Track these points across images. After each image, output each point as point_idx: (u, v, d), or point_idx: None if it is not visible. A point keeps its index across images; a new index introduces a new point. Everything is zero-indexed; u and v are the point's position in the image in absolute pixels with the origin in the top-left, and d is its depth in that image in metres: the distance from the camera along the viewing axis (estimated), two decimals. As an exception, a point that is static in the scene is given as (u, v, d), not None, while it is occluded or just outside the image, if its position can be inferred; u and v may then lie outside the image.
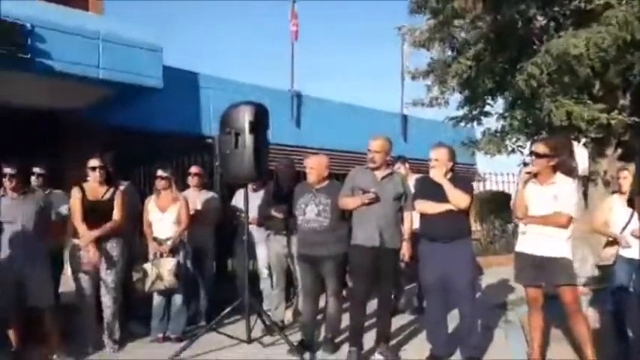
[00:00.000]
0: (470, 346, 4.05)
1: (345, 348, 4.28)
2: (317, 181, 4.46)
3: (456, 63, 7.56)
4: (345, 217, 4.42)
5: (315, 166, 4.48)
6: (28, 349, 4.30)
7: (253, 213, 5.21)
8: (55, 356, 4.19)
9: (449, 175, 4.09)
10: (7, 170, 4.21)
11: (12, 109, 6.92)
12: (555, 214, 3.69)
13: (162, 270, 4.68)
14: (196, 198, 5.51)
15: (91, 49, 6.18)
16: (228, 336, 4.49)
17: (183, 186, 5.60)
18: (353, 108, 12.45)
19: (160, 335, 4.77)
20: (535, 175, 3.82)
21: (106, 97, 7.17)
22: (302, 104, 11.57)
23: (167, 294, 4.82)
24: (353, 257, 4.23)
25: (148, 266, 4.73)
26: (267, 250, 5.35)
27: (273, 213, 5.10)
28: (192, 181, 5.61)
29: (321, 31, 40.54)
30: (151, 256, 4.81)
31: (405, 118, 13.55)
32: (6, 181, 4.23)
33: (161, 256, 4.76)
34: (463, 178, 4.69)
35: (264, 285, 5.48)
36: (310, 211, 4.40)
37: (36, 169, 4.67)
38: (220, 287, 5.67)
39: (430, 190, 4.08)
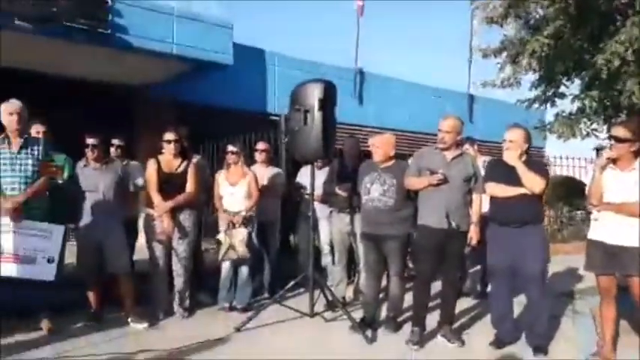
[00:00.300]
0: (537, 333, 3.96)
1: (407, 328, 4.29)
2: (383, 161, 4.43)
3: (533, 41, 7.19)
4: (410, 197, 4.38)
5: (381, 145, 4.44)
6: (106, 312, 4.59)
7: (317, 190, 5.26)
8: (129, 319, 4.45)
9: (523, 158, 3.95)
10: (90, 141, 4.46)
11: (91, 82, 7.29)
12: (634, 203, 3.49)
13: (234, 240, 4.83)
14: (263, 173, 5.61)
15: (166, 25, 6.38)
16: (292, 309, 4.59)
17: (250, 161, 5.73)
18: (417, 86, 12.22)
19: (227, 305, 4.94)
20: (614, 161, 3.63)
21: (177, 73, 7.40)
22: (365, 82, 11.47)
23: (236, 264, 4.96)
24: (419, 238, 4.19)
25: (221, 236, 4.89)
26: (329, 227, 5.41)
27: (337, 191, 5.13)
28: (259, 156, 5.71)
29: (387, 7, 39.67)
30: (222, 227, 4.96)
31: (471, 97, 13.16)
32: (88, 152, 4.48)
33: (234, 226, 4.90)
34: (538, 161, 4.53)
35: (326, 261, 5.57)
36: (375, 190, 4.39)
37: (115, 141, 4.90)
38: (282, 261, 5.79)
39: (502, 172, 3.96)
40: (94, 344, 3.90)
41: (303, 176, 5.88)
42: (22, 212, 3.96)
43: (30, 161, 4.04)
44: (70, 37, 5.75)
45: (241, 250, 4.83)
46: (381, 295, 4.68)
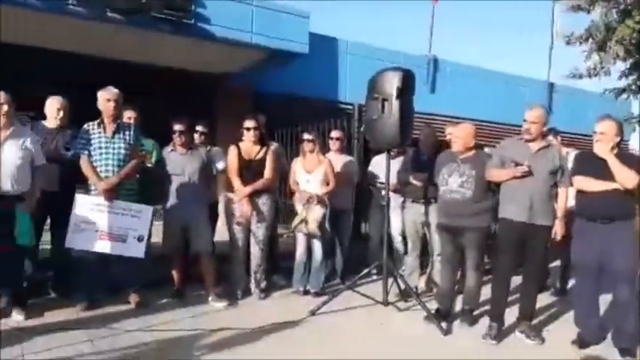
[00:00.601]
0: (625, 335, 3.76)
1: (484, 321, 4.21)
2: (462, 151, 4.34)
3: (622, 27, 6.78)
4: (491, 188, 4.27)
5: (461, 135, 4.35)
6: (189, 289, 4.82)
7: (391, 179, 5.23)
8: (210, 298, 4.65)
9: (615, 151, 3.75)
10: (177, 127, 4.67)
11: (174, 71, 7.61)
12: None
13: (310, 216, 4.91)
14: (337, 161, 5.65)
15: (246, 14, 6.52)
16: (366, 296, 4.63)
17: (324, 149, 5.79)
18: (493, 74, 11.80)
19: (301, 288, 5.06)
20: None
21: (255, 62, 7.56)
22: (438, 69, 11.23)
23: (309, 248, 5.06)
24: (501, 231, 4.08)
25: (299, 208, 4.99)
26: (401, 217, 5.39)
27: (412, 180, 5.09)
28: (333, 144, 5.75)
29: (461, -6, 38.38)
30: (298, 206, 5.04)
31: (551, 86, 12.56)
32: (176, 137, 4.70)
33: (311, 203, 4.96)
34: (631, 155, 4.27)
35: (397, 250, 5.56)
36: (453, 182, 4.31)
37: (199, 127, 5.11)
38: (353, 249, 5.83)
39: (592, 166, 3.78)
40: (177, 320, 4.12)
41: (376, 165, 5.88)
42: (115, 193, 4.24)
43: (122, 145, 4.30)
44: (157, 28, 6.02)
45: (312, 227, 4.92)
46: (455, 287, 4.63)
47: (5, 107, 3.84)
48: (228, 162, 4.86)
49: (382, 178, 5.60)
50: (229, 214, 4.88)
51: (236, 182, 4.79)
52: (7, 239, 3.78)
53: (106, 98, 4.27)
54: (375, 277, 5.34)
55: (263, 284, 4.98)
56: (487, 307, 4.26)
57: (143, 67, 7.34)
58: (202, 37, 6.35)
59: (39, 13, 5.65)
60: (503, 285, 4.06)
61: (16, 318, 3.89)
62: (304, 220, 4.93)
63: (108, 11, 5.72)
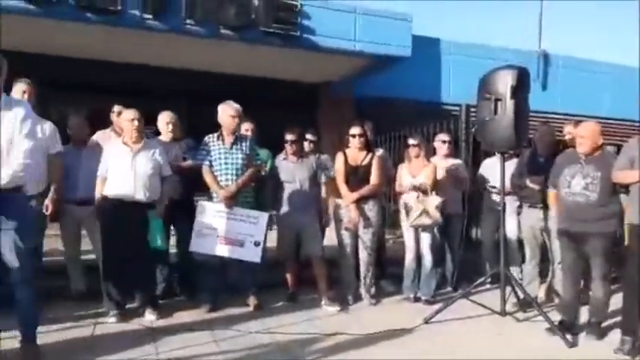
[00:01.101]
0: None
1: (613, 335, 3.91)
2: (589, 152, 4.05)
3: None
4: (617, 191, 3.96)
5: (587, 135, 4.05)
6: (302, 293, 4.96)
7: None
8: (322, 302, 4.75)
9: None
10: (289, 137, 4.83)
11: (279, 81, 7.92)
12: None
13: (428, 205, 4.84)
14: (444, 165, 5.54)
15: (349, 22, 6.61)
16: (482, 305, 4.47)
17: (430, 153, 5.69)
18: (611, 67, 10.91)
19: (411, 295, 5.01)
20: None
21: (357, 68, 7.64)
22: (549, 65, 10.60)
23: (417, 251, 4.99)
24: (631, 238, 3.77)
25: (412, 201, 4.91)
26: (516, 222, 5.14)
27: (529, 184, 4.84)
28: (441, 148, 5.64)
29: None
30: (409, 201, 4.96)
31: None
32: (287, 146, 4.86)
33: (425, 194, 4.89)
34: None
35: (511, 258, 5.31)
36: (576, 184, 4.04)
37: (309, 136, 5.26)
38: (465, 255, 5.66)
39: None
40: (293, 323, 4.24)
41: (487, 168, 5.67)
42: (234, 200, 4.47)
43: (240, 156, 4.55)
44: (266, 41, 6.29)
45: (435, 215, 4.84)
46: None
47: (136, 123, 4.21)
48: (335, 168, 4.94)
49: (493, 182, 5.41)
50: (337, 220, 4.96)
51: (343, 188, 4.86)
52: (143, 244, 4.15)
53: (230, 114, 4.52)
54: (488, 285, 5.14)
55: (373, 290, 4.99)
56: (616, 319, 3.94)
57: (252, 80, 7.72)
58: (307, 48, 6.53)
59: (161, 34, 6.13)
60: (636, 295, 3.73)
61: (149, 318, 4.22)
62: (425, 211, 4.85)
63: (221, 28, 6.06)
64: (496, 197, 5.26)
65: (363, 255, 4.93)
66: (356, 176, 4.88)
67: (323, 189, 4.99)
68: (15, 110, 3.14)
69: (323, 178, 4.99)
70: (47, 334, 3.50)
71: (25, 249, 3.18)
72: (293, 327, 4.13)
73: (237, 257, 4.51)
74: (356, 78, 8.15)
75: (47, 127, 4.14)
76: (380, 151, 5.55)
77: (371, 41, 6.69)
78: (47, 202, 4.13)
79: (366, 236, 4.89)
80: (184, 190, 4.66)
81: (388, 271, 5.61)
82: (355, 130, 4.92)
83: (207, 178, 4.51)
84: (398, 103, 8.78)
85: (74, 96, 6.97)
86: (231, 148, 4.55)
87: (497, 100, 4.28)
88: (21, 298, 3.21)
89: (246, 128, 4.95)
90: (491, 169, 5.43)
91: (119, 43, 6.62)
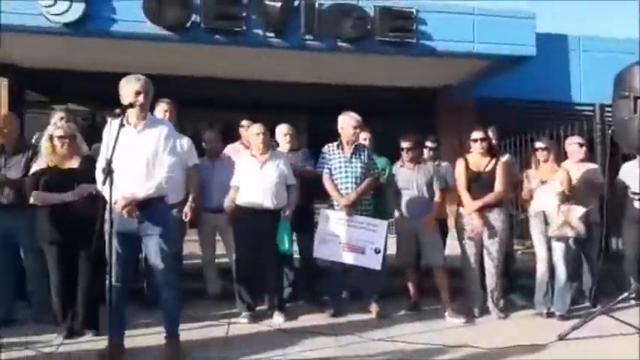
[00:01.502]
0: None
1: None
2: None
3: None
4: None
5: None
6: (424, 302, 4.88)
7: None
8: (446, 313, 4.63)
9: None
10: (405, 145, 4.81)
11: (398, 89, 7.93)
12: None
13: (571, 216, 4.56)
14: (577, 170, 5.14)
15: (467, 25, 6.44)
16: (626, 323, 4.05)
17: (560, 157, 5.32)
18: None
19: (544, 310, 4.68)
20: None
21: (476, 71, 7.40)
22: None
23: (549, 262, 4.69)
24: None
25: (552, 210, 4.63)
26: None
27: (680, 190, 4.34)
28: (575, 152, 5.25)
29: None
30: (551, 210, 4.68)
31: None
32: (404, 154, 4.84)
33: (567, 201, 4.61)
34: None
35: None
36: None
37: (429, 143, 5.21)
38: (604, 267, 5.19)
39: None
40: (417, 332, 4.19)
41: (626, 173, 5.20)
42: (354, 208, 4.55)
43: (359, 165, 4.65)
44: (383, 50, 6.34)
45: (580, 227, 4.55)
46: None
47: (262, 136, 4.47)
48: (457, 175, 4.82)
49: (634, 187, 4.93)
50: (460, 229, 4.82)
51: (465, 196, 4.73)
52: (272, 249, 4.39)
53: (351, 125, 4.63)
54: (632, 301, 4.67)
55: (501, 302, 4.77)
56: None
57: (369, 89, 7.82)
58: (424, 54, 6.46)
59: (282, 51, 6.44)
60: None
61: (277, 320, 4.43)
62: (567, 222, 4.56)
63: (338, 41, 6.21)
64: (639, 204, 4.78)
65: (489, 266, 4.73)
66: (479, 183, 4.72)
67: (437, 196, 4.85)
68: (159, 128, 3.49)
69: (439, 185, 4.87)
70: (187, 332, 3.79)
71: (169, 253, 3.51)
72: (416, 337, 4.07)
73: (359, 264, 4.57)
74: (475, 81, 7.89)
75: (185, 143, 4.54)
76: (505, 157, 5.31)
77: (491, 42, 6.44)
78: (186, 209, 4.53)
79: (492, 246, 4.69)
80: (304, 198, 4.82)
81: (518, 284, 5.33)
82: (477, 134, 4.77)
83: (328, 186, 4.65)
84: (522, 105, 8.35)
85: (205, 113, 7.55)
86: (350, 157, 4.64)
87: (636, 98, 3.92)
88: (165, 298, 3.54)
89: (364, 137, 5.02)
90: (632, 174, 4.96)
91: (244, 62, 7.06)
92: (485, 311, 4.73)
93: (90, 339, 3.82)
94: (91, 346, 3.63)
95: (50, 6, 5.63)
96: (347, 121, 4.65)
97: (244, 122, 5.14)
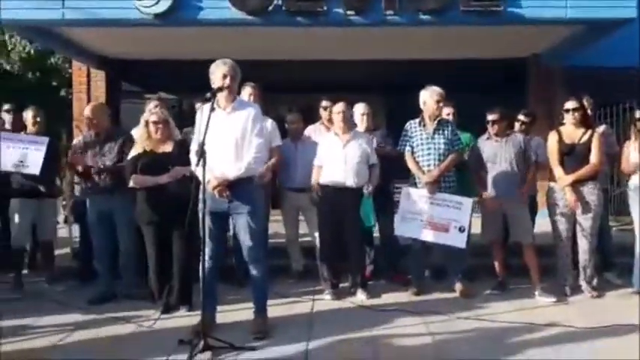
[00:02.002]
0: None
1: None
2: None
3: None
4: None
5: None
6: (511, 281, 4.74)
7: None
8: (536, 292, 4.48)
9: None
10: (490, 117, 4.64)
11: (484, 61, 7.62)
12: None
13: None
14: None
15: (557, -11, 6.01)
16: None
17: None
18: None
19: (644, 290, 4.40)
20: None
21: (568, 37, 6.92)
22: None
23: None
24: None
25: None
26: None
27: None
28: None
29: None
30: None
31: None
32: (489, 127, 4.67)
33: None
34: None
35: None
36: None
37: (521, 117, 4.98)
38: None
39: None
40: (504, 311, 4.09)
41: None
42: (437, 185, 4.48)
43: (442, 141, 4.54)
44: (467, 21, 6.08)
45: None
46: None
47: (344, 115, 4.50)
48: (548, 148, 4.59)
49: None
50: (552, 205, 4.60)
51: (557, 170, 4.50)
52: (354, 228, 4.45)
53: (435, 100, 4.53)
54: None
55: (594, 281, 4.53)
56: None
57: (452, 62, 7.57)
58: (511, 22, 6.12)
59: (362, 29, 6.38)
60: None
61: (360, 297, 4.48)
62: None
63: (420, 14, 6.04)
64: None
65: (582, 243, 4.50)
66: (572, 156, 4.47)
67: (530, 170, 4.66)
68: (247, 110, 3.64)
69: (530, 159, 4.66)
70: (273, 307, 3.92)
71: (257, 230, 3.66)
72: (504, 316, 3.98)
73: (442, 242, 4.51)
74: (568, 48, 7.36)
75: (269, 124, 4.68)
76: (601, 127, 4.98)
77: (585, 5, 5.95)
78: (262, 169, 4.54)
79: (585, 222, 4.46)
80: (385, 177, 4.78)
81: (613, 262, 5.03)
82: (571, 104, 4.51)
83: (410, 163, 4.60)
84: (620, 73, 7.68)
85: (284, 96, 7.68)
86: (433, 133, 4.55)
87: None
88: (254, 274, 3.70)
89: (448, 112, 4.89)
90: None
91: (324, 42, 7.07)
92: (577, 290, 4.53)
93: (184, 314, 4.07)
94: (186, 321, 3.85)
95: (142, -1, 5.95)
96: (429, 96, 4.56)
97: (325, 102, 5.17)
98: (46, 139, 4.72)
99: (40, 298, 4.61)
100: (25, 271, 5.14)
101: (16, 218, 4.81)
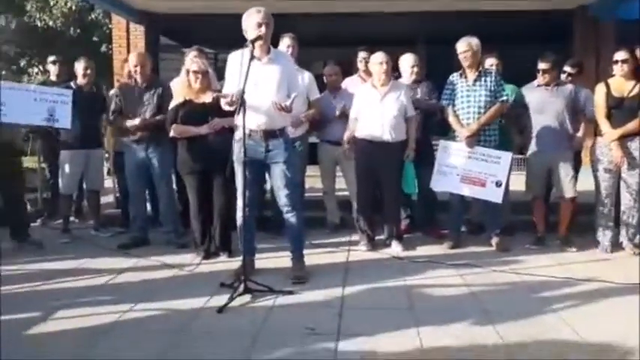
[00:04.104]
0: None
1: None
2: None
3: None
4: None
5: None
6: (550, 238, 4.67)
7: None
8: (558, 240, 4.54)
9: None
10: (541, 66, 4.47)
11: (527, 12, 7.31)
12: None
13: None
14: None
15: None
16: None
17: None
18: None
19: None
20: None
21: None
22: None
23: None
24: None
25: None
26: None
27: None
28: None
29: None
30: None
31: None
32: (539, 76, 4.51)
33: None
34: None
35: None
36: None
37: (567, 68, 4.77)
38: None
39: None
40: (542, 266, 4.05)
41: None
42: (476, 139, 4.41)
43: (483, 92, 4.43)
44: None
45: None
46: None
47: (385, 66, 4.41)
48: (596, 101, 4.42)
49: None
50: (596, 160, 4.47)
51: (604, 124, 4.36)
52: (391, 181, 4.46)
53: (463, 49, 4.43)
54: None
55: (637, 239, 4.42)
56: None
57: (495, 15, 7.30)
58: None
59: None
60: None
61: (395, 249, 4.51)
62: None
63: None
64: None
65: (626, 199, 4.39)
66: (621, 110, 4.31)
67: (581, 127, 4.54)
68: (283, 61, 3.63)
69: (579, 112, 4.51)
70: (308, 257, 3.97)
71: (292, 179, 3.71)
72: (541, 270, 3.95)
73: (478, 197, 4.48)
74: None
75: (307, 77, 4.65)
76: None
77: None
78: (302, 117, 4.56)
79: (631, 179, 4.33)
80: (422, 129, 4.72)
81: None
82: (621, 55, 4.32)
83: (450, 117, 4.52)
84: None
85: (321, 50, 7.57)
86: (473, 84, 4.44)
87: None
88: (290, 221, 3.77)
89: (491, 63, 4.76)
90: None
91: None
92: (618, 247, 4.45)
93: (225, 260, 4.21)
94: (226, 266, 3.99)
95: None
96: (460, 46, 4.45)
97: (362, 54, 5.09)
98: (69, 91, 4.75)
99: (87, 243, 4.83)
100: (72, 218, 5.37)
101: (67, 168, 4.98)
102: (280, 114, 3.53)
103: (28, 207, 5.17)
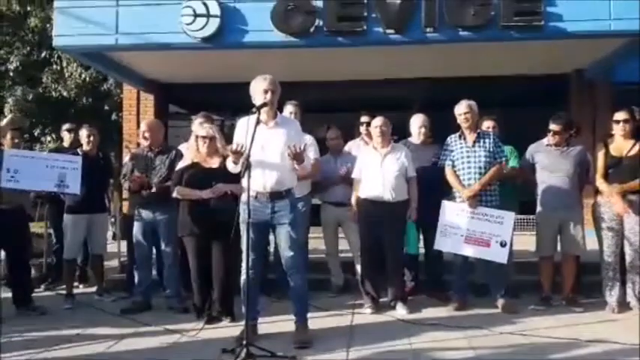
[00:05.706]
0: None
1: None
2: None
3: None
4: None
5: None
6: (556, 299, 4.62)
7: None
8: (563, 301, 4.51)
9: None
10: (554, 127, 4.55)
11: (525, 77, 7.54)
12: None
13: None
14: None
15: (600, 2, 5.90)
16: None
17: None
18: None
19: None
20: None
21: (614, 52, 6.77)
22: None
23: None
24: None
25: None
26: None
27: None
28: None
29: None
30: None
31: None
32: (550, 137, 4.60)
33: None
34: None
35: None
36: None
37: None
38: None
39: None
40: (549, 327, 3.99)
41: None
42: (478, 199, 4.45)
43: (483, 153, 4.52)
44: (508, 36, 6.02)
45: None
46: None
47: (383, 129, 4.53)
48: (596, 162, 4.49)
49: None
50: (598, 218, 4.49)
51: (600, 183, 4.43)
52: (395, 242, 4.50)
53: (462, 111, 4.59)
54: None
55: (642, 295, 4.36)
56: None
57: (493, 80, 7.54)
58: (554, 37, 6.04)
59: (402, 47, 6.43)
60: None
61: (400, 312, 4.45)
62: None
63: (459, 31, 6.04)
64: None
65: (630, 257, 4.36)
66: (619, 169, 4.37)
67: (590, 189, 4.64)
68: (288, 126, 3.77)
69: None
70: (312, 320, 3.93)
71: (297, 240, 3.74)
72: (547, 331, 3.88)
73: (483, 257, 4.46)
74: (614, 62, 7.20)
75: (308, 139, 4.78)
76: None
77: (631, 17, 5.80)
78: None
79: (633, 237, 4.32)
80: (430, 189, 4.73)
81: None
82: (621, 115, 4.43)
83: (450, 178, 4.59)
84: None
85: (324, 116, 7.75)
86: (473, 145, 4.54)
87: None
88: (295, 284, 3.76)
89: (488, 125, 4.87)
90: None
91: (364, 62, 7.16)
92: (625, 307, 4.40)
93: (227, 325, 4.15)
94: (228, 331, 3.91)
95: (191, 23, 6.18)
96: (460, 108, 4.59)
97: (364, 118, 5.24)
98: (79, 157, 4.83)
99: (90, 308, 4.80)
100: (76, 284, 5.36)
101: (70, 232, 5.02)
102: (291, 168, 3.64)
103: (33, 272, 5.18)
